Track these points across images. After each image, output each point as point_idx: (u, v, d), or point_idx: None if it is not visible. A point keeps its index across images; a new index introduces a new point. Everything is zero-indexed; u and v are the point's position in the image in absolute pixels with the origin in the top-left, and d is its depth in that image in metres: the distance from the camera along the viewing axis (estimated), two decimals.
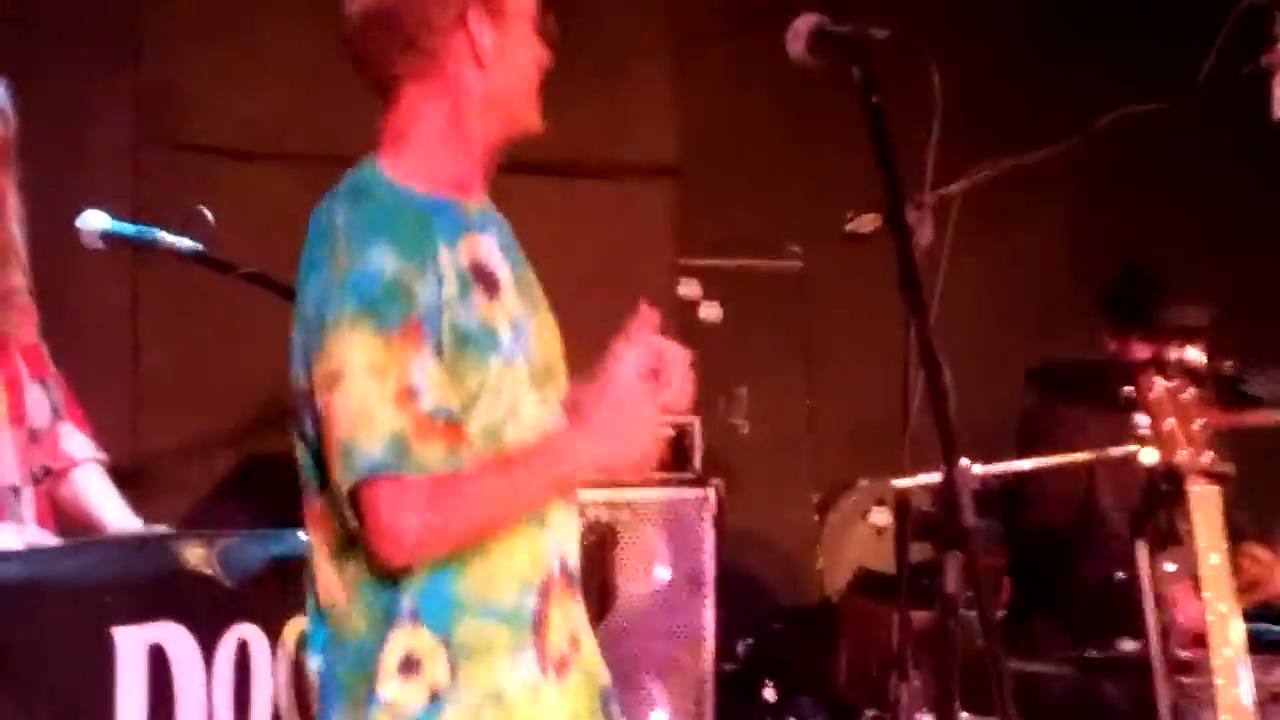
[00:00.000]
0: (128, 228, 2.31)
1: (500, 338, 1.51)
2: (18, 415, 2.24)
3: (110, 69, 2.98)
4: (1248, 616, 2.31)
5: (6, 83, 2.20)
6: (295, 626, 2.09)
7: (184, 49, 3.51)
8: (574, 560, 1.64)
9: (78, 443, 2.30)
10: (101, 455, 2.34)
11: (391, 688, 1.47)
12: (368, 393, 1.43)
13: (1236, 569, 2.89)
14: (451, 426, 1.48)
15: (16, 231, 2.27)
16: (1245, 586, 2.74)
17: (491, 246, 1.57)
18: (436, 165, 1.55)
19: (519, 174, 1.92)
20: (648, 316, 1.54)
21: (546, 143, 1.69)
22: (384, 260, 1.45)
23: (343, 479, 1.39)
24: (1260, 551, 2.86)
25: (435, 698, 1.47)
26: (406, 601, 1.47)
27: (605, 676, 1.63)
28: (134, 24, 3.40)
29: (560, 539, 1.60)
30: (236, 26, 3.58)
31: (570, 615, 1.58)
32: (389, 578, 1.49)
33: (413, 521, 1.46)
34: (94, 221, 2.29)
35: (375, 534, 1.42)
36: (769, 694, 3.33)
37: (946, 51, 1.92)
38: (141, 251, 2.41)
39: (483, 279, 1.52)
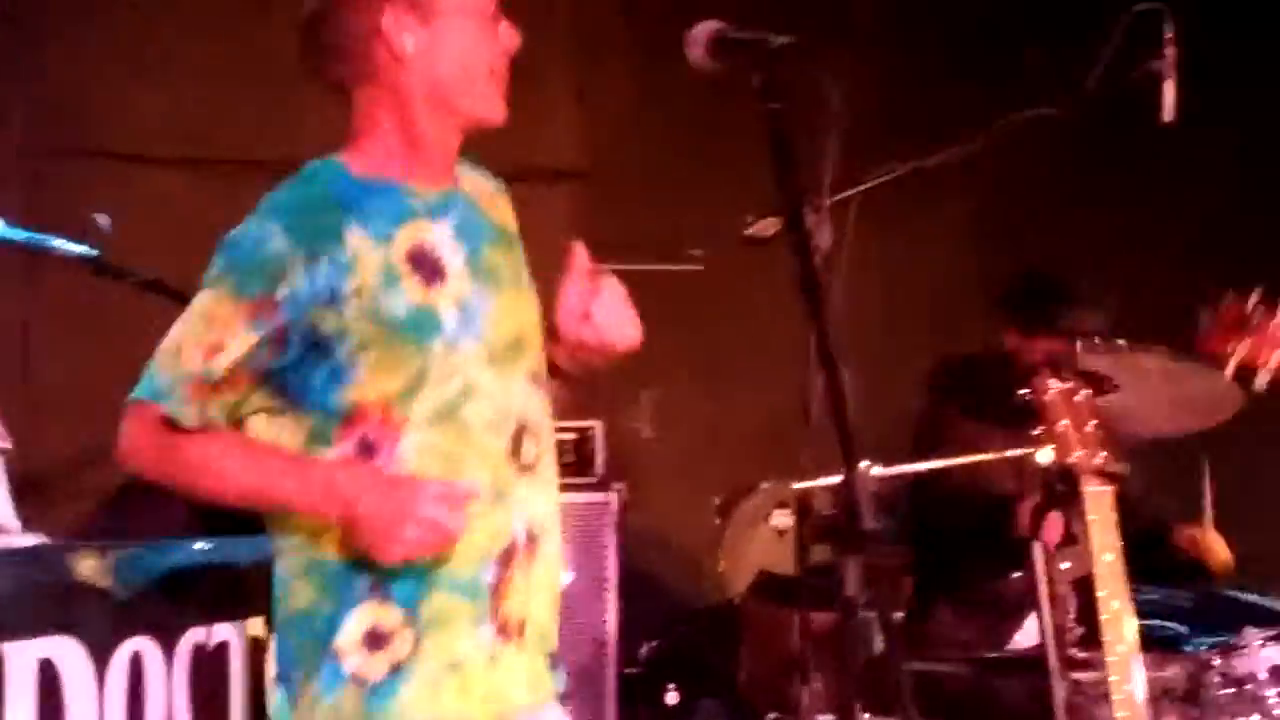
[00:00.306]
0: (19, 233, 2.31)
1: (441, 321, 1.59)
2: None
3: (4, 75, 2.92)
4: (1140, 614, 2.35)
5: None
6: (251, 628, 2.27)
7: (81, 53, 3.49)
8: (540, 526, 1.73)
9: None
10: (5, 445, 2.32)
11: (354, 661, 1.56)
12: (188, 334, 1.57)
13: (1176, 553, 3.06)
14: (215, 393, 1.57)
15: None
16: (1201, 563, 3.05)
17: (444, 233, 1.64)
18: (388, 158, 1.64)
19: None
20: (581, 256, 1.66)
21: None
22: (271, 238, 1.55)
23: (135, 392, 1.54)
24: (1192, 530, 3.03)
25: (396, 669, 1.56)
26: (370, 579, 1.56)
27: (554, 639, 1.74)
28: (33, 32, 3.39)
29: (526, 510, 1.69)
30: (134, 32, 3.59)
31: (531, 578, 1.67)
32: (351, 556, 1.58)
33: (136, 449, 1.60)
34: None
35: (119, 441, 1.56)
36: (671, 697, 3.35)
37: (847, 57, 2.17)
38: (35, 258, 2.44)
39: (422, 267, 1.61)
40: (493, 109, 1.67)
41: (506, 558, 1.66)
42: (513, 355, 1.73)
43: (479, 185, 1.79)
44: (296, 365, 1.61)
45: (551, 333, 1.78)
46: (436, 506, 1.57)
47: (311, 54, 1.67)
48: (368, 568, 1.61)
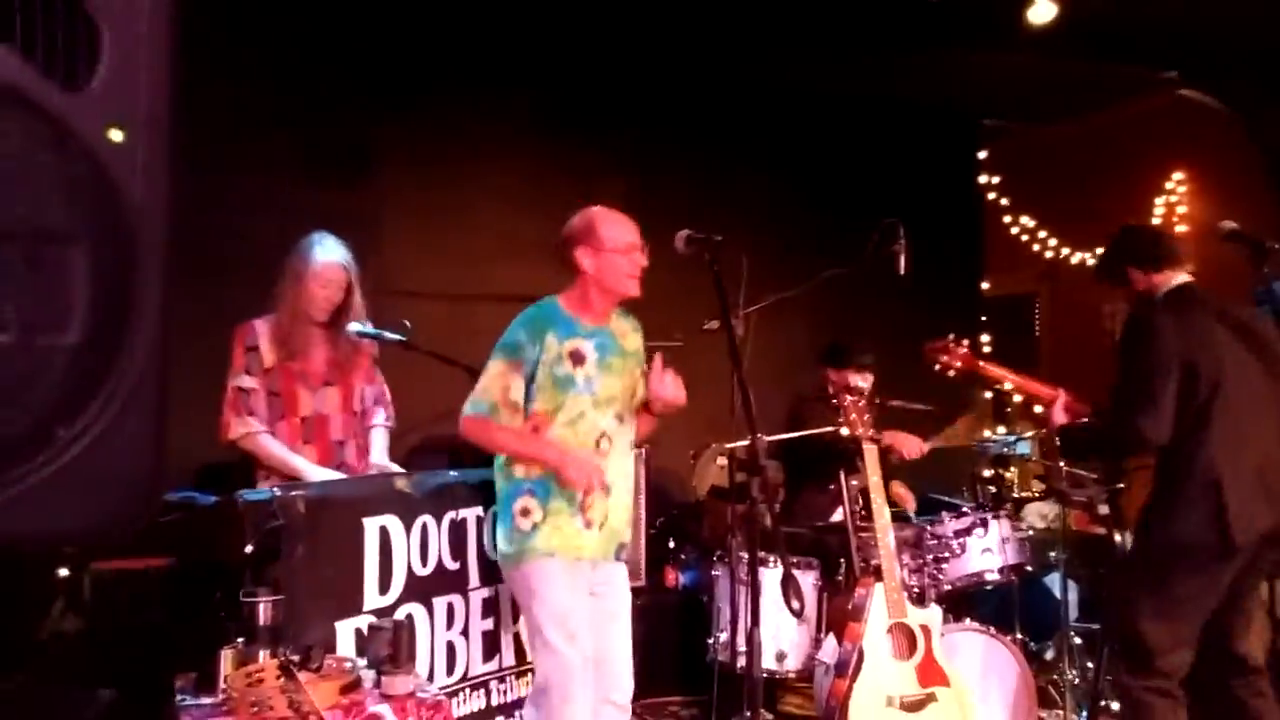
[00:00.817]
0: (371, 330, 3.37)
1: (577, 382, 2.79)
2: (348, 402, 3.33)
3: (361, 257, 3.49)
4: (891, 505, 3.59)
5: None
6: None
7: (395, 242, 4.85)
8: (611, 476, 2.83)
9: (378, 416, 3.42)
10: (391, 424, 3.43)
11: (518, 519, 2.77)
12: (489, 379, 2.75)
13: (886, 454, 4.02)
14: (514, 405, 2.73)
15: None
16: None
17: (589, 346, 2.82)
18: (576, 305, 2.85)
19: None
20: (658, 361, 2.85)
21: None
22: (518, 334, 2.79)
23: (466, 409, 2.75)
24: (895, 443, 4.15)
25: (534, 526, 2.76)
26: (528, 485, 2.77)
27: (625, 536, 2.87)
28: (374, 230, 4.71)
29: (621, 466, 2.86)
30: (422, 230, 5.02)
31: (604, 503, 2.80)
32: (525, 476, 2.74)
33: (471, 433, 2.79)
34: None
35: (463, 427, 2.78)
36: (671, 544, 4.80)
37: (749, 239, 3.48)
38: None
39: (574, 357, 2.80)
40: (630, 291, 2.84)
41: (588, 489, 2.77)
42: (605, 404, 2.83)
43: (621, 324, 2.92)
44: (528, 383, 2.76)
45: (645, 397, 2.91)
46: (587, 468, 2.73)
47: (558, 254, 2.85)
48: (526, 483, 2.74)
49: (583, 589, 2.83)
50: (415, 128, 5.16)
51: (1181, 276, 3.11)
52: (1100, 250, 3.38)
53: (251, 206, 4.27)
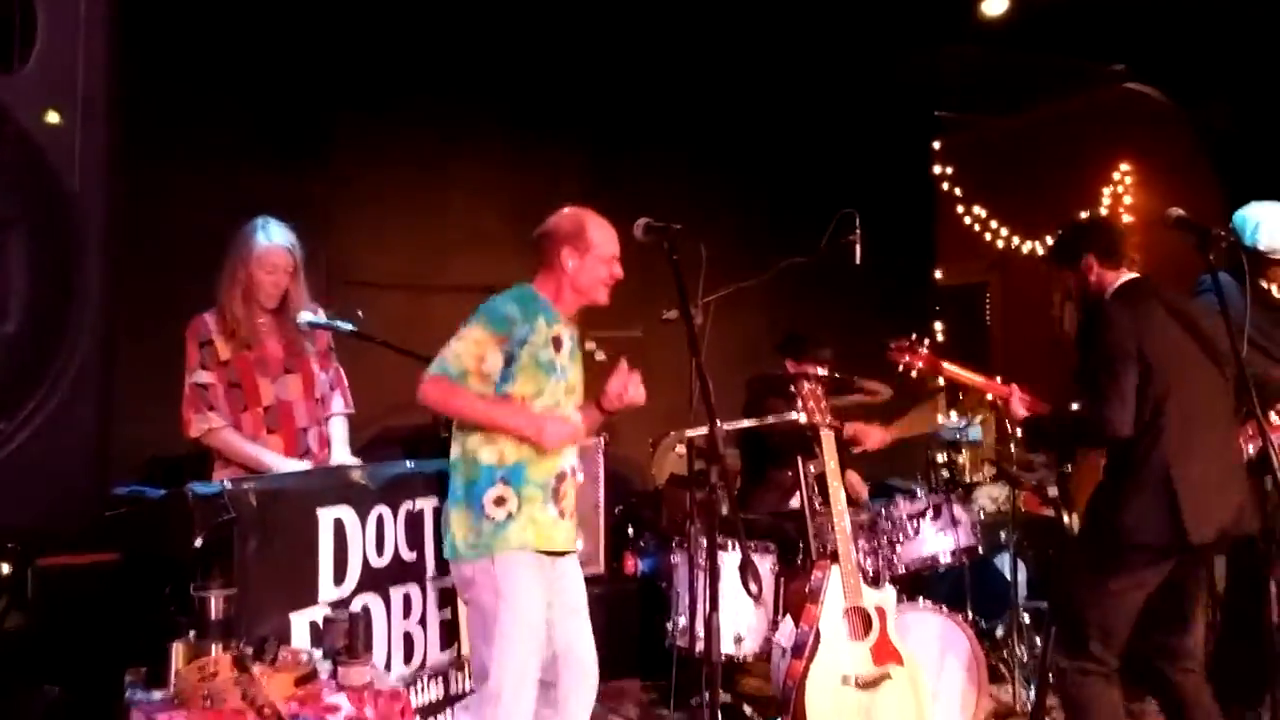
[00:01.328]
0: (324, 320, 3.30)
1: (558, 368, 2.78)
2: (309, 389, 3.27)
3: (312, 244, 3.50)
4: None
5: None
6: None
7: (350, 232, 4.79)
8: (573, 467, 2.87)
9: (336, 403, 3.37)
10: (350, 410, 3.37)
11: (491, 509, 2.68)
12: (464, 344, 2.65)
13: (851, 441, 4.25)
14: (485, 377, 2.63)
15: None
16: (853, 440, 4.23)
17: (565, 334, 2.84)
18: (551, 296, 2.83)
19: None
20: (622, 364, 2.89)
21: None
22: (509, 308, 2.71)
23: (431, 370, 2.63)
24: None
25: (509, 516, 2.66)
26: (500, 473, 2.68)
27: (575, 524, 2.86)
28: (325, 221, 4.55)
29: (570, 458, 2.85)
30: (381, 219, 4.91)
31: (571, 492, 2.82)
32: (499, 464, 2.65)
33: (433, 395, 2.66)
34: None
35: (423, 390, 2.64)
36: (631, 531, 4.85)
37: (707, 229, 3.47)
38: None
39: (555, 344, 2.79)
40: (600, 299, 2.87)
41: (561, 478, 2.75)
42: (571, 391, 2.87)
43: (572, 325, 2.96)
44: (506, 362, 2.67)
45: (602, 397, 2.92)
46: (569, 425, 2.77)
47: (534, 245, 2.83)
48: (498, 471, 2.65)
49: (546, 588, 2.78)
50: (373, 116, 5.12)
51: (1131, 273, 3.16)
52: (1052, 237, 3.41)
53: (203, 195, 4.21)
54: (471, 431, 2.75)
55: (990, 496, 5.24)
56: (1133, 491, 2.94)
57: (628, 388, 2.89)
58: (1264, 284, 3.87)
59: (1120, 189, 6.86)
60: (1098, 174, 6.87)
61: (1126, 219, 6.63)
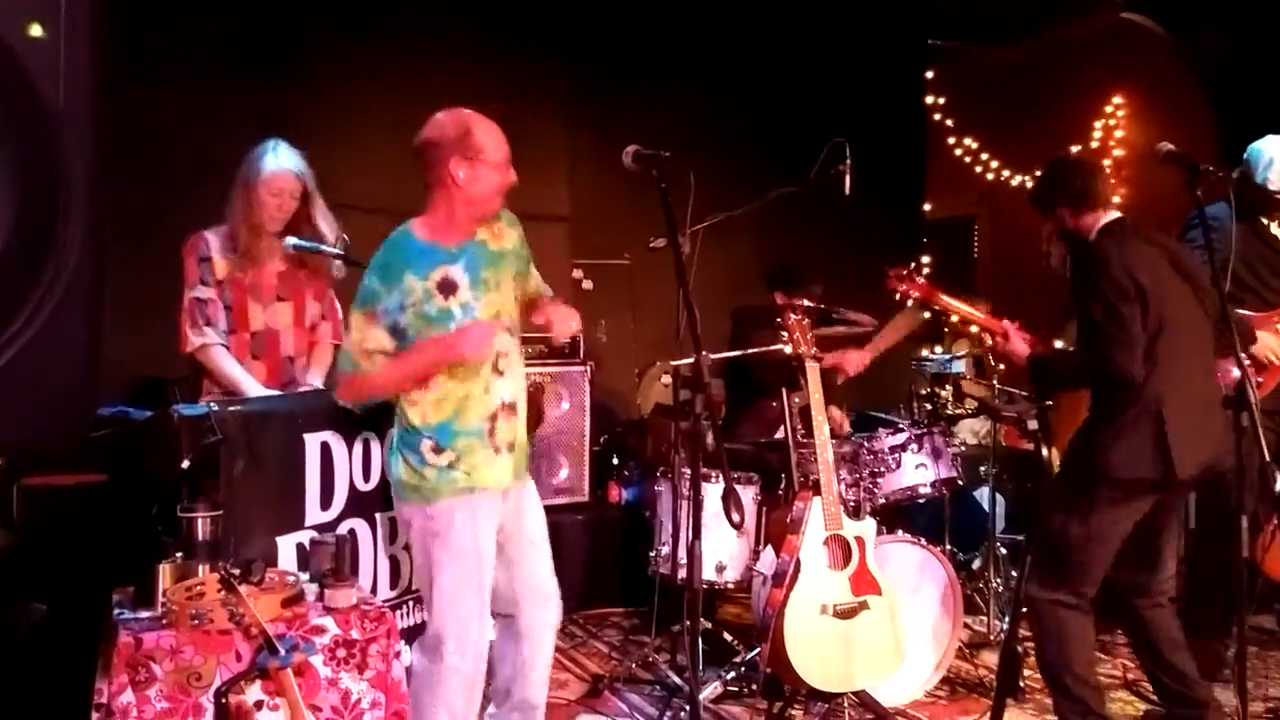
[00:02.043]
0: (305, 243, 3.22)
1: (455, 313, 2.57)
2: (300, 318, 3.28)
3: None
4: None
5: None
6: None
7: (326, 154, 4.13)
8: (512, 397, 2.67)
9: (325, 332, 3.35)
10: (337, 340, 3.30)
11: (430, 456, 2.61)
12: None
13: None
14: (375, 355, 2.55)
15: None
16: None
17: (457, 270, 2.57)
18: (437, 228, 2.60)
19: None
20: (547, 302, 2.79)
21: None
22: (372, 281, 2.58)
23: (335, 376, 2.69)
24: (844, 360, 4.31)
25: (451, 463, 2.61)
26: (426, 435, 2.60)
27: (528, 451, 2.77)
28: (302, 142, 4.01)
29: (502, 391, 2.63)
30: (353, 142, 4.84)
31: (510, 424, 2.66)
32: (423, 425, 2.58)
33: (347, 396, 2.65)
34: None
35: (338, 392, 2.66)
36: (615, 460, 4.95)
37: (696, 156, 3.50)
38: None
39: (444, 288, 2.56)
40: (495, 211, 2.64)
41: (493, 417, 2.63)
42: (496, 319, 2.64)
43: (492, 226, 2.65)
44: (395, 334, 2.57)
45: (545, 326, 2.76)
46: (484, 330, 2.57)
47: (416, 160, 2.62)
48: (424, 433, 2.58)
49: (493, 527, 2.69)
50: (355, 36, 5.04)
51: (1112, 213, 3.14)
52: (1036, 176, 3.39)
53: (183, 112, 4.11)
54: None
55: (971, 430, 5.37)
56: (1123, 427, 2.95)
57: (560, 321, 2.73)
58: (1265, 221, 3.91)
59: (1113, 122, 6.80)
60: (1090, 106, 6.81)
61: (1118, 153, 6.59)
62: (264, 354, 3.23)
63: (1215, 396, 2.96)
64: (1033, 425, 3.74)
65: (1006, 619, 4.01)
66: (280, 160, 3.17)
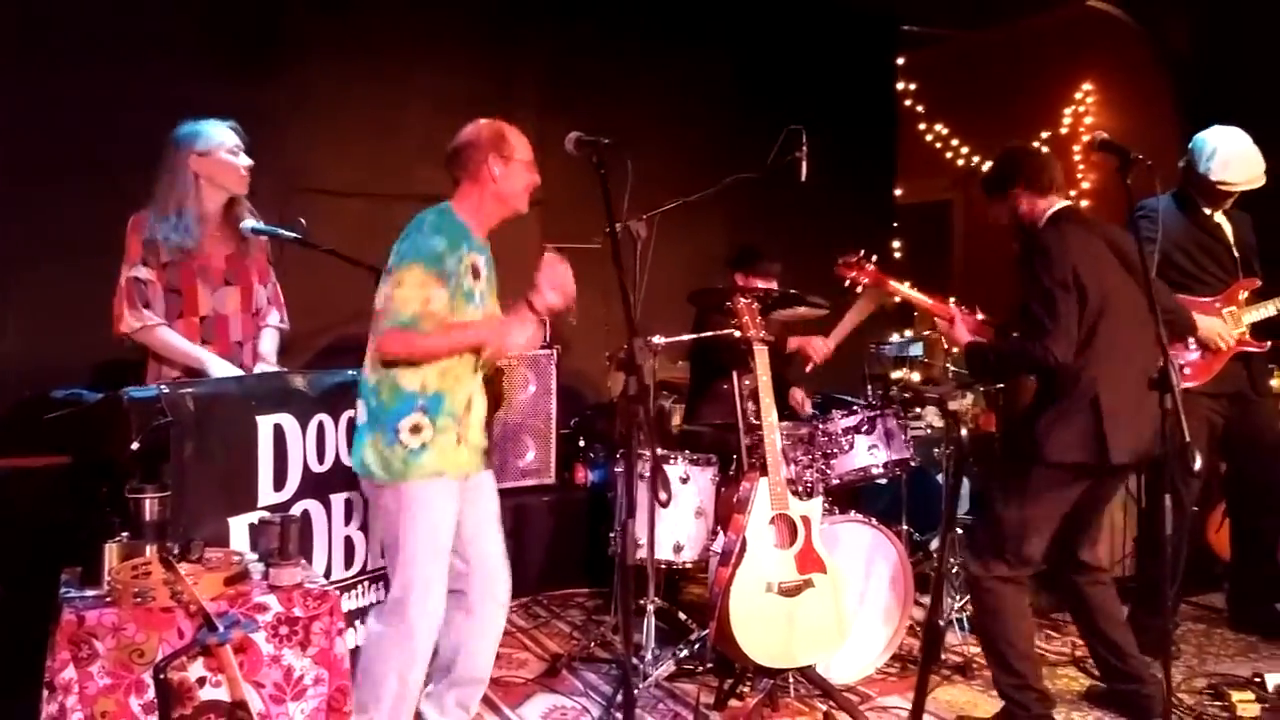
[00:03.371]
0: (267, 228, 3.26)
1: (476, 296, 2.78)
2: (248, 302, 3.28)
3: (265, 152, 3.45)
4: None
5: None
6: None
7: (306, 141, 4.69)
8: (477, 395, 2.82)
9: (272, 317, 3.38)
10: (284, 326, 3.38)
11: (405, 436, 2.69)
12: (408, 289, 2.61)
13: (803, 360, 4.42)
14: (436, 316, 2.62)
15: None
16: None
17: (481, 260, 2.81)
18: (469, 216, 2.78)
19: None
20: (551, 256, 2.83)
21: None
22: (437, 242, 2.65)
23: (384, 325, 2.61)
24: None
25: (424, 445, 2.70)
26: (420, 401, 2.69)
27: (484, 442, 2.86)
28: (281, 129, 4.35)
29: (473, 387, 2.82)
30: (334, 129, 4.83)
31: (471, 420, 2.79)
32: (420, 391, 2.65)
33: (395, 348, 2.64)
34: None
35: (383, 346, 2.65)
36: (582, 443, 5.03)
37: (646, 141, 3.82)
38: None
39: (474, 272, 2.77)
40: (523, 207, 2.88)
41: (468, 406, 2.79)
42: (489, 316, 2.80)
43: (487, 248, 2.89)
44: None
45: (533, 295, 2.78)
46: (528, 322, 2.75)
47: (452, 162, 2.80)
48: (419, 399, 2.66)
49: (455, 508, 2.81)
50: (329, 22, 5.02)
51: (1062, 201, 3.21)
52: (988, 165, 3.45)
53: (154, 102, 4.10)
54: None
55: (937, 413, 5.40)
56: (1060, 413, 3.03)
57: (565, 280, 2.79)
58: (1207, 210, 3.99)
59: (1082, 109, 6.85)
60: (1060, 94, 6.86)
61: (1087, 139, 6.59)
62: (214, 339, 3.23)
63: (1148, 383, 3.02)
64: (953, 406, 3.78)
65: (959, 598, 4.11)
66: (220, 126, 3.18)
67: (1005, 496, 3.13)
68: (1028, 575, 3.18)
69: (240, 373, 3.19)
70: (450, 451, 2.73)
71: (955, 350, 4.26)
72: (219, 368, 3.12)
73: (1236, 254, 3.96)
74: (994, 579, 3.14)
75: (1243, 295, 3.95)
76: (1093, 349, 3.00)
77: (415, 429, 2.69)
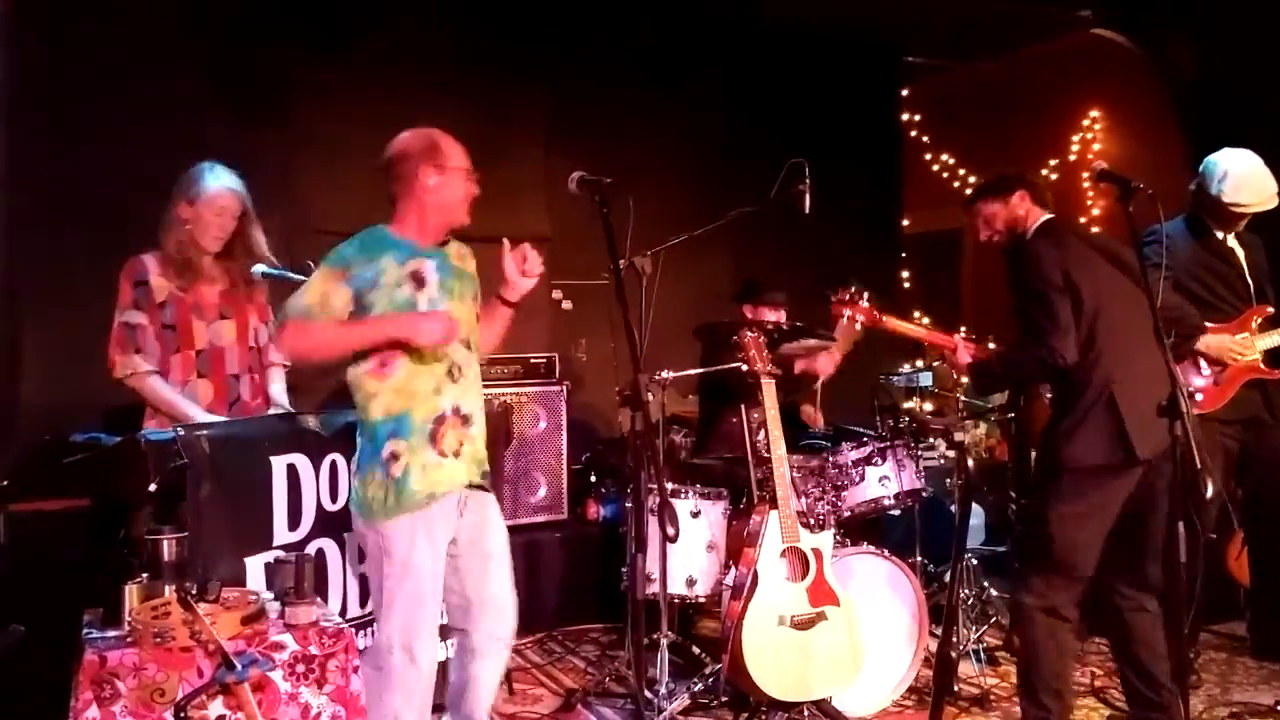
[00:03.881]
0: (275, 270, 3.34)
1: (420, 305, 2.68)
2: (244, 335, 3.30)
3: (273, 195, 3.75)
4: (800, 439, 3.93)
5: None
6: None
7: (307, 184, 4.80)
8: (467, 409, 2.74)
9: (276, 355, 3.37)
10: (287, 363, 3.38)
11: (391, 468, 2.69)
12: (305, 288, 2.66)
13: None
14: (332, 310, 2.60)
15: None
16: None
17: (430, 268, 2.71)
18: (409, 230, 2.75)
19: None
20: (507, 246, 2.77)
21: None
22: (345, 249, 2.69)
23: (281, 319, 2.64)
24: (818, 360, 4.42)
25: (404, 471, 2.69)
26: (390, 427, 2.69)
27: (486, 463, 2.81)
28: (285, 173, 4.55)
29: (453, 397, 2.71)
30: (328, 172, 4.87)
31: (459, 433, 2.71)
32: (385, 417, 2.66)
33: (289, 339, 2.66)
34: None
35: (280, 338, 2.68)
36: (593, 478, 5.01)
37: (652, 177, 4.11)
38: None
39: (415, 279, 2.68)
40: (463, 219, 2.76)
41: (440, 420, 2.70)
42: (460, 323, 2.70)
43: (455, 248, 2.86)
44: (356, 303, 2.65)
45: (504, 288, 2.82)
46: (442, 318, 2.66)
47: (386, 176, 2.75)
48: (388, 424, 2.66)
49: (445, 539, 2.76)
50: (331, 61, 5.09)
51: (1048, 214, 3.25)
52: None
53: (159, 147, 4.19)
54: (359, 388, 2.75)
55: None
56: (1080, 416, 3.01)
57: (525, 262, 2.80)
58: (1219, 235, 3.98)
59: (1089, 135, 6.87)
60: (1067, 121, 6.89)
61: (1085, 174, 6.59)
62: (210, 371, 3.25)
63: (1162, 382, 3.00)
64: (960, 437, 3.78)
65: (975, 628, 4.09)
66: (220, 179, 3.22)
67: (1044, 515, 3.09)
68: (1076, 598, 3.09)
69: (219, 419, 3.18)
70: (433, 468, 2.69)
71: (965, 380, 4.30)
72: (199, 418, 3.12)
73: (1249, 279, 3.94)
74: (1044, 610, 3.08)
75: (1256, 322, 3.92)
76: (1100, 347, 3.01)
77: (394, 456, 2.68)
